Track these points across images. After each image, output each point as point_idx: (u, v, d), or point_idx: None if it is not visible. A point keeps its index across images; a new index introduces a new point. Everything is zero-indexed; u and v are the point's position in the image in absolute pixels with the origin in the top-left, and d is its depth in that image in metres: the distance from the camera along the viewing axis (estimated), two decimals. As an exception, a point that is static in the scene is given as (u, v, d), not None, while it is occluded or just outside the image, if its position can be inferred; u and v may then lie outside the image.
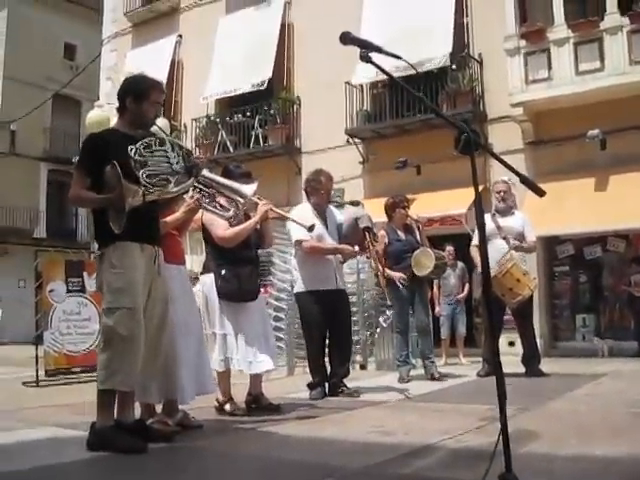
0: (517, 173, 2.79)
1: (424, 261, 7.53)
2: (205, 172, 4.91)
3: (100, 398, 4.04)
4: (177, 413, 4.73)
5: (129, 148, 4.14)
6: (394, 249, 7.49)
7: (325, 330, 6.50)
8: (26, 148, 27.40)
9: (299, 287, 6.67)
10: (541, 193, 2.69)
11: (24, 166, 27.29)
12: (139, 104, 4.32)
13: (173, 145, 4.34)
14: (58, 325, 9.57)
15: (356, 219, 6.56)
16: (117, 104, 4.45)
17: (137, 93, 4.33)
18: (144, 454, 3.84)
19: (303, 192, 6.90)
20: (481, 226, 2.86)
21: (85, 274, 9.90)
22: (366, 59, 2.90)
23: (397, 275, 7.47)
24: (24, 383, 8.93)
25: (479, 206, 2.84)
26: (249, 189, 4.95)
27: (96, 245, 4.40)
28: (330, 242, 6.60)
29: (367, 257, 6.78)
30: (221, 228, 5.30)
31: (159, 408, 4.76)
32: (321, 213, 6.66)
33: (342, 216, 6.82)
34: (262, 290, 6.22)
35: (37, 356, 9.32)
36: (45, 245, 22.06)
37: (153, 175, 4.20)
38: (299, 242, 6.52)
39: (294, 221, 5.89)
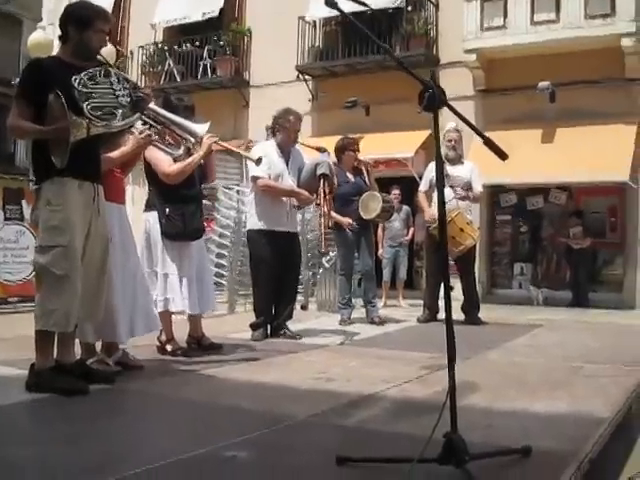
0: (481, 134, 2.75)
1: (371, 204, 7.50)
2: (152, 105, 4.76)
3: (38, 339, 3.92)
4: (116, 352, 4.66)
5: (72, 78, 3.96)
6: (342, 191, 7.42)
7: (275, 271, 6.40)
8: (-39, 67, 26.37)
9: (252, 224, 6.56)
10: (503, 157, 2.65)
11: (-41, 87, 26.30)
12: (82, 33, 4.09)
13: (119, 77, 4.16)
14: (-5, 253, 9.37)
15: (316, 165, 6.49)
16: (59, 32, 4.23)
17: (80, 21, 4.10)
18: (84, 395, 3.78)
19: (265, 127, 6.76)
20: (440, 179, 2.82)
21: (24, 202, 9.66)
22: (330, 4, 2.79)
23: (345, 221, 7.42)
24: (-42, 314, 8.76)
25: (439, 166, 2.81)
26: (201, 129, 4.83)
27: (33, 177, 4.23)
28: (289, 184, 6.50)
29: (317, 204, 6.67)
30: (165, 164, 5.15)
31: (99, 347, 4.69)
32: (285, 153, 6.55)
33: (307, 160, 6.75)
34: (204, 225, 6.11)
35: (-28, 284, 9.12)
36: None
37: (98, 108, 4.02)
38: (255, 178, 6.41)
39: (240, 153, 5.81)
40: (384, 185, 10.10)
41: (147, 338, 5.15)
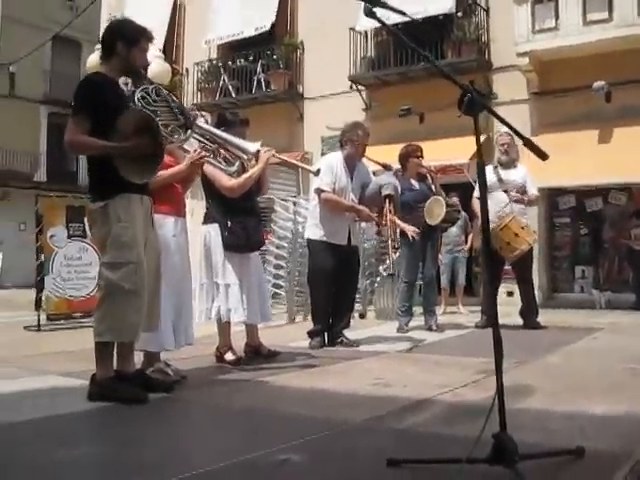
0: (520, 136, 2.76)
1: (436, 209, 7.48)
2: (206, 125, 4.93)
3: (99, 350, 4.04)
4: (157, 362, 4.75)
5: (137, 96, 4.10)
6: (406, 199, 7.42)
7: (333, 280, 6.44)
8: (26, 90, 27.14)
9: (312, 234, 6.61)
10: (544, 157, 2.66)
11: (24, 109, 27.07)
12: (129, 50, 4.20)
13: (169, 96, 4.30)
14: (59, 270, 9.59)
15: (381, 186, 6.52)
16: (103, 47, 4.30)
17: (129, 38, 4.20)
18: (144, 404, 3.89)
19: (320, 138, 6.84)
20: (482, 184, 2.83)
21: (86, 220, 9.88)
22: (370, 14, 2.84)
23: (410, 229, 7.39)
24: (25, 327, 9.01)
25: (481, 166, 2.82)
26: (253, 146, 4.97)
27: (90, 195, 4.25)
28: (351, 198, 6.56)
29: (383, 224, 6.68)
30: (225, 178, 5.29)
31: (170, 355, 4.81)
32: (351, 167, 6.61)
33: (372, 175, 6.81)
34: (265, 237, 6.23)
35: (38, 300, 9.36)
36: (45, 189, 22.00)
37: (165, 125, 4.19)
38: (319, 191, 6.48)
39: (298, 165, 5.90)
40: (440, 192, 10.08)
41: (206, 348, 5.26)
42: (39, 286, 9.60)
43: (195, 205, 7.40)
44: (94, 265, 9.52)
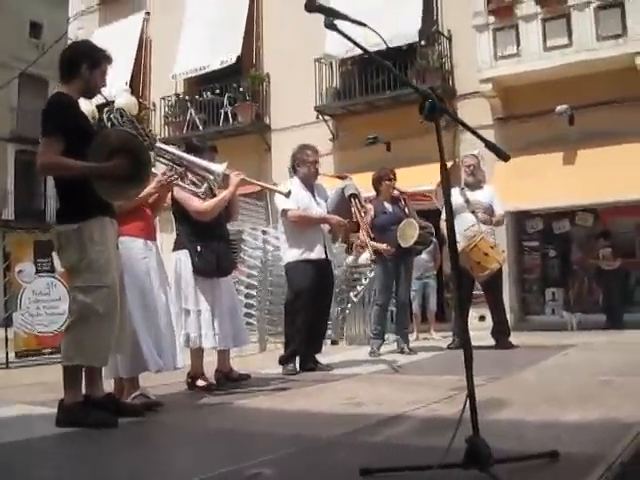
0: (482, 138, 2.79)
1: (409, 231, 7.51)
2: (171, 148, 4.96)
3: (68, 375, 3.97)
4: (135, 390, 4.67)
5: (104, 117, 4.09)
6: (380, 222, 7.47)
7: (311, 301, 6.38)
8: (-8, 129, 27.00)
9: (288, 257, 6.57)
10: (505, 158, 2.68)
11: (-10, 147, 26.91)
12: (92, 72, 4.18)
13: (131, 117, 4.30)
14: (28, 306, 9.44)
15: (342, 188, 6.56)
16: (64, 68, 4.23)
17: (92, 60, 4.19)
18: (114, 429, 3.82)
19: (287, 169, 6.87)
20: (447, 198, 2.83)
21: (54, 254, 9.75)
22: (331, 27, 2.86)
23: (383, 246, 7.38)
24: (-7, 365, 8.85)
25: (445, 174, 2.81)
26: (219, 167, 4.99)
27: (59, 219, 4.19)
28: (319, 212, 6.57)
29: (355, 230, 6.68)
30: (196, 201, 5.28)
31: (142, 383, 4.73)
32: (309, 187, 6.63)
33: (331, 192, 6.82)
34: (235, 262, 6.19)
35: (7, 338, 9.20)
36: (13, 227, 21.79)
37: None
38: (285, 211, 6.47)
39: (268, 188, 5.92)
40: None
41: (177, 375, 5.20)
42: (7, 323, 9.45)
43: (165, 238, 7.37)
44: (63, 300, 9.37)
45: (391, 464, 2.73)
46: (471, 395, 2.54)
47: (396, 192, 7.87)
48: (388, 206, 7.80)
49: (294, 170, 6.75)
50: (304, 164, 6.61)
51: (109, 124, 4.12)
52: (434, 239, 11.39)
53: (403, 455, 3.00)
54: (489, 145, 2.68)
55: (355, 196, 6.53)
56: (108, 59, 4.31)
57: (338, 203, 6.59)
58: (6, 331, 9.34)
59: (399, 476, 2.57)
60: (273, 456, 2.99)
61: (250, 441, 3.48)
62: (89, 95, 4.29)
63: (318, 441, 3.31)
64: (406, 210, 7.82)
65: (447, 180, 2.79)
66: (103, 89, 4.32)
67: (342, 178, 6.84)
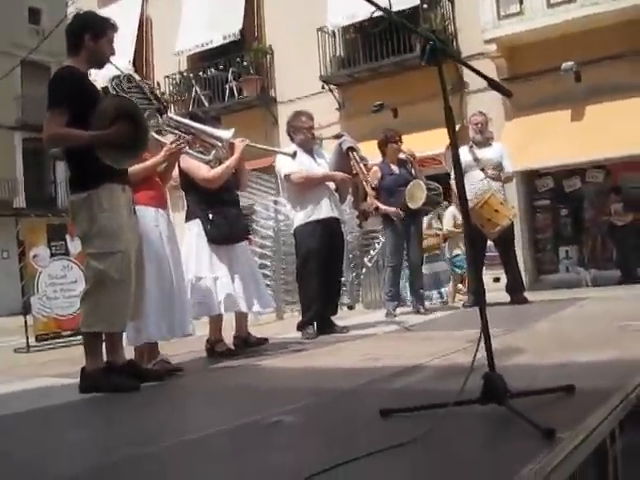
0: (484, 77, 2.79)
1: (417, 193, 7.51)
2: (179, 117, 4.99)
3: (88, 342, 4.05)
4: (156, 357, 4.73)
5: (110, 85, 4.12)
6: (387, 183, 7.49)
7: (322, 261, 6.38)
8: (-2, 118, 27.06)
9: (298, 220, 6.58)
10: (508, 94, 2.69)
11: (-3, 136, 26.99)
12: (97, 42, 4.19)
13: (141, 82, 4.32)
14: (45, 290, 9.49)
15: (339, 144, 6.59)
16: (69, 41, 4.27)
17: (96, 30, 4.20)
18: (136, 392, 3.89)
19: (287, 136, 6.89)
20: (456, 157, 2.81)
21: (68, 237, 9.82)
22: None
23: (392, 210, 7.43)
24: (15, 350, 8.93)
25: (451, 121, 2.79)
26: (227, 133, 5.02)
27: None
28: (321, 171, 6.58)
29: (354, 174, 6.69)
30: (204, 169, 5.31)
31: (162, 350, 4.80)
32: (308, 151, 6.63)
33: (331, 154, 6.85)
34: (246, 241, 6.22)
35: (26, 322, 9.29)
36: (25, 215, 21.88)
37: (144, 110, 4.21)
38: (288, 176, 6.47)
39: (274, 151, 5.98)
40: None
41: (196, 342, 5.27)
42: (26, 307, 9.52)
43: (177, 216, 7.43)
44: (79, 283, 9.40)
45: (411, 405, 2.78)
46: (486, 332, 2.57)
47: (402, 155, 7.86)
48: (395, 168, 7.80)
49: (291, 138, 6.77)
50: (299, 131, 6.61)
51: (114, 92, 4.14)
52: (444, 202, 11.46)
53: (421, 398, 3.02)
54: (492, 83, 2.69)
55: (352, 149, 6.56)
56: (113, 27, 4.32)
57: (339, 160, 6.61)
58: (25, 316, 9.42)
59: (417, 415, 2.61)
60: (294, 406, 3.04)
61: (270, 395, 3.53)
62: (98, 65, 4.28)
63: (338, 391, 3.36)
64: (413, 171, 7.81)
65: (453, 128, 2.78)
66: (112, 57, 4.34)
67: (337, 137, 6.86)
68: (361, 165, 6.56)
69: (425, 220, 9.88)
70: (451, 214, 10.55)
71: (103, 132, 3.96)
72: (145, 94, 4.28)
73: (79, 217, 4.11)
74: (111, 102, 4.05)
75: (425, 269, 9.62)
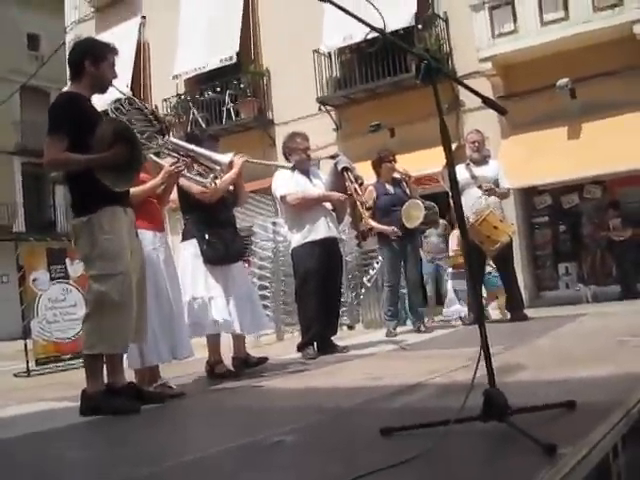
0: (479, 94, 2.82)
1: (413, 212, 7.55)
2: (177, 140, 5.01)
3: (89, 364, 4.06)
4: (156, 381, 4.73)
5: (110, 108, 4.14)
6: (382, 203, 7.53)
7: (321, 283, 6.40)
8: (-3, 143, 27.12)
9: (295, 241, 6.61)
10: (503, 111, 2.71)
11: (-3, 161, 27.03)
12: (98, 67, 4.24)
13: (141, 104, 4.35)
14: (45, 313, 9.44)
15: (335, 164, 6.62)
16: (71, 68, 4.32)
17: (96, 55, 4.25)
18: (136, 414, 3.88)
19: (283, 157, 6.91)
20: (453, 174, 2.82)
21: (67, 260, 9.82)
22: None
23: (388, 229, 7.44)
24: (15, 375, 8.89)
25: (446, 138, 2.80)
26: (226, 158, 5.04)
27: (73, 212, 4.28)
28: (317, 191, 6.60)
29: (349, 194, 6.69)
30: (200, 185, 5.33)
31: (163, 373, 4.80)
32: (304, 172, 6.66)
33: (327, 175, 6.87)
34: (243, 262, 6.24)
35: (26, 346, 9.25)
36: (25, 239, 21.86)
37: (140, 132, 4.23)
38: (284, 197, 6.50)
39: (273, 165, 5.99)
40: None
41: (196, 365, 5.26)
42: (26, 332, 9.49)
43: (175, 239, 7.45)
44: (79, 306, 9.38)
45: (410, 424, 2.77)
46: (486, 349, 2.57)
47: (397, 174, 7.89)
48: (390, 187, 7.85)
49: (286, 159, 6.78)
50: (295, 152, 6.63)
51: (113, 115, 4.17)
52: (443, 220, 11.48)
53: (422, 416, 3.02)
54: (487, 101, 2.71)
55: (347, 169, 6.58)
56: (113, 51, 4.37)
57: (334, 180, 6.64)
58: (25, 340, 9.39)
59: (418, 433, 2.61)
60: (294, 426, 3.03)
61: (271, 415, 3.54)
62: (101, 90, 4.32)
63: (339, 410, 3.36)
64: (408, 191, 7.84)
65: (449, 144, 2.80)
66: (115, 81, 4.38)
67: (333, 157, 6.90)
68: (355, 185, 6.57)
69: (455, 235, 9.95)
70: (456, 235, 10.55)
71: (101, 155, 4.00)
72: (146, 115, 4.30)
73: (81, 240, 4.15)
74: (109, 126, 4.08)
75: (456, 285, 9.67)
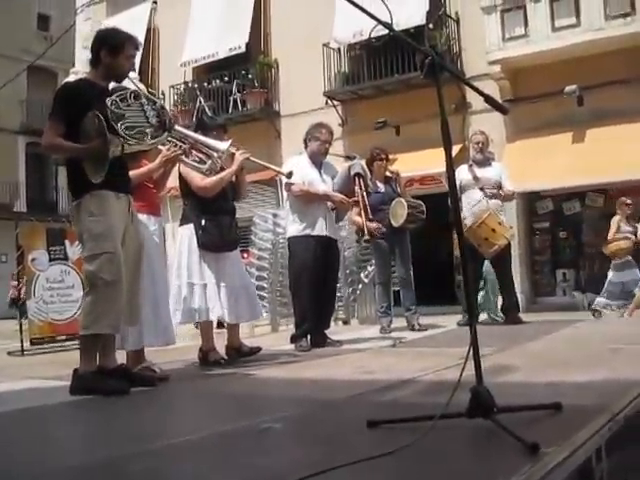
0: (481, 93, 2.82)
1: (398, 210, 7.60)
2: (177, 127, 5.01)
3: (84, 344, 4.10)
4: (142, 363, 4.76)
5: (107, 100, 4.15)
6: (373, 201, 7.51)
7: (315, 277, 6.43)
8: (2, 121, 27.09)
9: (291, 231, 6.65)
10: (504, 111, 2.72)
11: (1, 140, 27.00)
12: (114, 57, 4.29)
13: (148, 99, 4.36)
14: (42, 294, 9.46)
15: (349, 167, 6.63)
16: (90, 57, 4.39)
17: (113, 46, 4.30)
18: (126, 395, 3.90)
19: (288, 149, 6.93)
20: (449, 156, 2.83)
21: (67, 242, 9.82)
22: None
23: (372, 226, 7.43)
24: (9, 353, 8.90)
25: (447, 135, 2.81)
26: (223, 145, 5.05)
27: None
28: (323, 188, 6.61)
29: (355, 201, 6.71)
30: (199, 177, 5.35)
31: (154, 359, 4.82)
32: (316, 163, 6.68)
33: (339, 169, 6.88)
34: (242, 255, 6.25)
35: (21, 325, 9.27)
36: (25, 219, 21.89)
37: (131, 127, 4.22)
38: (288, 185, 6.52)
39: (272, 168, 5.99)
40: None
41: (189, 351, 5.27)
42: (22, 311, 9.50)
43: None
44: (76, 288, 9.42)
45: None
46: (475, 347, 2.58)
47: (388, 173, 7.94)
48: (380, 186, 7.87)
49: (305, 145, 6.81)
50: (315, 140, 6.66)
51: (112, 107, 4.17)
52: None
53: (410, 410, 3.04)
54: (488, 100, 2.71)
55: (359, 175, 6.58)
56: (132, 42, 4.41)
57: (345, 182, 6.64)
58: (20, 319, 9.40)
59: (404, 427, 2.62)
60: (284, 414, 3.05)
61: (261, 402, 3.56)
62: (116, 80, 4.38)
63: (328, 401, 3.37)
64: (398, 189, 7.89)
65: (449, 143, 2.81)
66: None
67: (350, 158, 6.90)
68: (363, 193, 6.59)
69: (614, 221, 10.07)
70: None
71: (82, 145, 4.08)
72: (144, 111, 4.30)
73: (74, 223, 4.30)
74: (88, 117, 4.09)
75: (614, 277, 9.75)
